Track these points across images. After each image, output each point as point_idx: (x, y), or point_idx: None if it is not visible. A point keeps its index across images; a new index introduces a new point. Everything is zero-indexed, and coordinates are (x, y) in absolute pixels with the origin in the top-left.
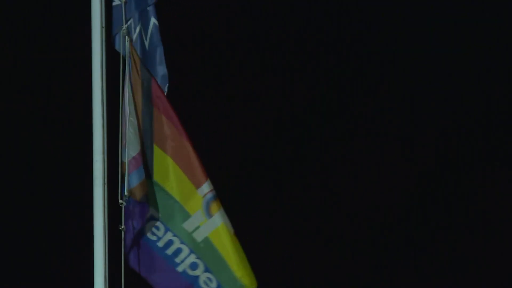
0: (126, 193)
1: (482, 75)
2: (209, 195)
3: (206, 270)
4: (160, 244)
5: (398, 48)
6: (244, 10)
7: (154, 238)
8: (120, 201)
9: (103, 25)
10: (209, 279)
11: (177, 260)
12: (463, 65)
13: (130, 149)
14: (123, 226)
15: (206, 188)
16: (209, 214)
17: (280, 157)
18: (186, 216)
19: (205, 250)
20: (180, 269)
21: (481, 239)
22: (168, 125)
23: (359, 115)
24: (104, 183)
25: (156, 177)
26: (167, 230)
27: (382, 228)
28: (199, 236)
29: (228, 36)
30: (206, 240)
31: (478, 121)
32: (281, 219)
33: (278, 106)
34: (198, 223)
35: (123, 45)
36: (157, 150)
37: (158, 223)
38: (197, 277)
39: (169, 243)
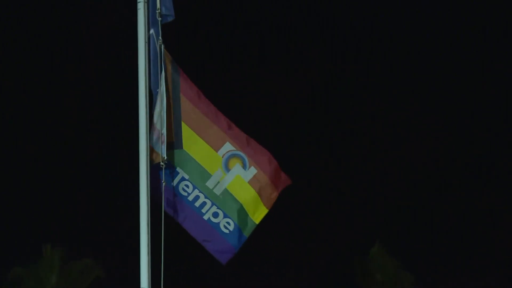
0: (165, 157)
1: (484, 76)
2: (228, 154)
3: (225, 216)
4: (190, 198)
5: (403, 49)
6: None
7: (185, 194)
8: (161, 163)
9: (147, 40)
10: (228, 223)
11: (203, 210)
12: (467, 65)
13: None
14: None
15: (225, 148)
16: (227, 169)
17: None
18: (208, 176)
19: (224, 201)
20: (205, 217)
21: (482, 239)
22: (190, 105)
23: (360, 115)
24: (147, 155)
25: (185, 147)
26: (194, 188)
27: (383, 226)
28: (218, 190)
29: (227, 33)
30: (225, 192)
31: (481, 121)
32: (282, 219)
33: (277, 106)
34: (218, 179)
35: (160, 52)
36: (184, 127)
37: (187, 183)
38: (218, 223)
39: (196, 198)
